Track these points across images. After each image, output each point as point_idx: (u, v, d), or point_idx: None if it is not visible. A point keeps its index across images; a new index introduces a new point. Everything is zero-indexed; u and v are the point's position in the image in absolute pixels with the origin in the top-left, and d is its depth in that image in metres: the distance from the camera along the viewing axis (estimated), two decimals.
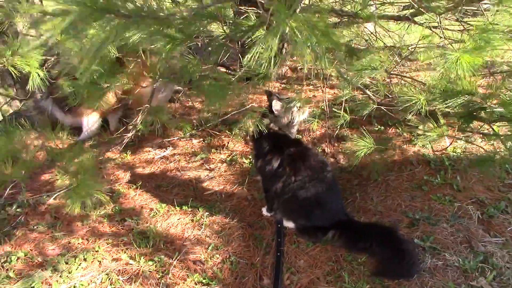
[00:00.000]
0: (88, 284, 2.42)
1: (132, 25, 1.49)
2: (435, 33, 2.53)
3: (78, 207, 2.21)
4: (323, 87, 4.41)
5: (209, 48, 2.80)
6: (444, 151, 3.19)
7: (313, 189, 2.52)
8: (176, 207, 3.04)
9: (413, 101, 2.32)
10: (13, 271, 2.53)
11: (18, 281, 2.46)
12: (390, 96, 2.98)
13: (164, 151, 3.84)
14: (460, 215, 2.60)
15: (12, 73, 2.54)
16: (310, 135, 3.78)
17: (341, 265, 2.39)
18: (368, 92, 3.12)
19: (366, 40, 3.67)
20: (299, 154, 2.62)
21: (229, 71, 3.80)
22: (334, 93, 4.50)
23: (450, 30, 2.55)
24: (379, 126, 3.69)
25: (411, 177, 3.02)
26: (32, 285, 2.41)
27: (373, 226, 2.53)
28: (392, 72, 2.97)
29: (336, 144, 3.58)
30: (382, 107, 2.89)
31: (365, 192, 2.96)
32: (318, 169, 2.57)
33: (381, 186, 2.99)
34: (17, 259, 2.63)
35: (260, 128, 2.65)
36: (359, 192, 2.96)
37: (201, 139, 3.97)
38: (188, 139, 4.00)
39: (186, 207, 3.02)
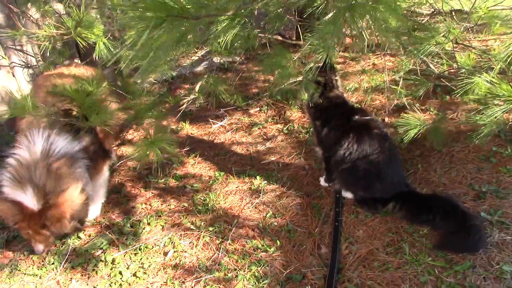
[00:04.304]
0: (152, 247, 2.55)
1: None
2: None
3: (154, 154, 2.29)
4: (383, 55, 4.24)
5: (267, 17, 2.76)
6: None
7: (374, 160, 2.47)
8: (234, 175, 3.09)
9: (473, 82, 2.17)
10: (83, 233, 2.71)
11: (88, 242, 2.64)
12: (454, 67, 2.82)
13: (222, 121, 3.90)
14: None
15: (79, 43, 2.64)
16: (370, 104, 3.67)
17: (401, 237, 2.34)
18: (429, 63, 2.97)
19: (431, 4, 3.44)
20: (363, 123, 2.56)
21: (286, 40, 3.73)
22: (395, 61, 4.31)
23: None
24: (443, 95, 3.51)
25: (478, 148, 2.86)
26: (100, 246, 2.58)
27: (436, 198, 2.44)
28: (458, 42, 2.78)
29: (396, 114, 3.45)
30: (443, 80, 2.74)
31: (428, 163, 2.85)
32: (380, 140, 2.50)
33: (445, 157, 2.86)
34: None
35: (319, 98, 2.61)
36: (421, 163, 2.86)
37: (258, 109, 3.97)
38: (245, 108, 4.02)
39: (244, 176, 3.07)
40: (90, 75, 2.81)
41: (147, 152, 2.26)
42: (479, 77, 2.17)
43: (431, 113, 3.33)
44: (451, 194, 2.52)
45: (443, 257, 2.15)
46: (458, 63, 2.58)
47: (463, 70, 2.40)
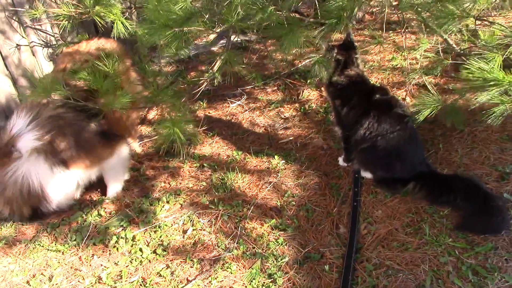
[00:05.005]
0: (172, 225, 2.59)
1: None
2: None
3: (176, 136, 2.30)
4: (403, 32, 4.13)
5: None
6: None
7: (393, 140, 2.43)
8: (252, 154, 3.09)
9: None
10: (104, 210, 2.76)
11: (108, 219, 2.69)
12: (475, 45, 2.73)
13: (239, 100, 3.88)
14: None
15: (97, 22, 2.64)
16: (390, 83, 3.61)
17: (421, 217, 2.32)
18: (449, 41, 2.88)
19: None
20: (384, 102, 2.52)
21: (303, 17, 3.66)
22: (415, 38, 4.20)
23: None
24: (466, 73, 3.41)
25: (501, 128, 2.78)
26: (121, 224, 2.63)
27: (458, 178, 2.39)
28: (481, 18, 2.68)
29: (417, 94, 3.38)
30: (463, 58, 2.65)
31: (449, 143, 2.79)
32: (401, 119, 2.46)
33: (467, 137, 2.81)
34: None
35: (339, 76, 2.58)
36: (442, 143, 2.81)
37: (276, 88, 3.94)
38: (263, 88, 3.99)
39: (262, 155, 3.06)
40: (111, 47, 2.81)
41: (169, 134, 2.27)
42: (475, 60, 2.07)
43: (453, 92, 3.25)
44: (473, 175, 2.48)
45: (464, 238, 2.13)
46: (481, 40, 2.50)
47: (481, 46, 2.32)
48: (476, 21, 2.47)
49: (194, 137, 2.72)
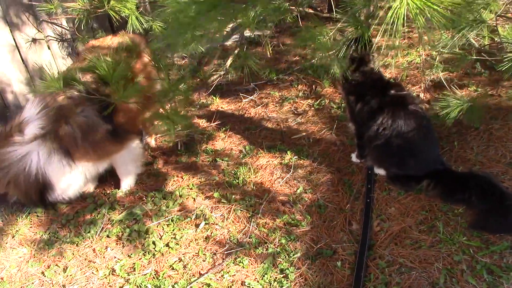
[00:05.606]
0: (184, 218, 2.60)
1: None
2: None
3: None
4: (419, 28, 4.08)
5: None
6: None
7: (408, 136, 2.41)
8: (265, 150, 3.09)
9: None
10: (117, 203, 2.79)
11: (122, 212, 2.71)
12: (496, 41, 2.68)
13: (252, 95, 3.87)
14: None
15: (112, 16, 2.65)
16: (405, 79, 3.57)
17: (435, 215, 2.30)
18: (469, 37, 2.82)
19: None
20: (399, 99, 2.50)
21: (318, 13, 3.64)
22: (431, 34, 4.14)
23: None
24: (483, 70, 3.37)
25: None
26: (134, 217, 2.65)
27: (473, 176, 2.36)
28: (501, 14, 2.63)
29: (432, 90, 3.34)
30: (483, 54, 2.61)
31: (465, 140, 2.76)
32: (415, 116, 2.43)
33: (483, 134, 2.77)
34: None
35: (354, 72, 2.56)
36: (457, 140, 2.78)
37: (289, 83, 3.93)
38: (276, 83, 3.98)
39: (274, 150, 3.06)
40: (135, 43, 2.83)
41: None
42: None
43: (469, 89, 3.21)
44: (488, 173, 2.44)
45: (479, 236, 2.11)
46: (501, 37, 2.46)
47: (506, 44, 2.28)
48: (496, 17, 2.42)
49: (206, 132, 2.72)
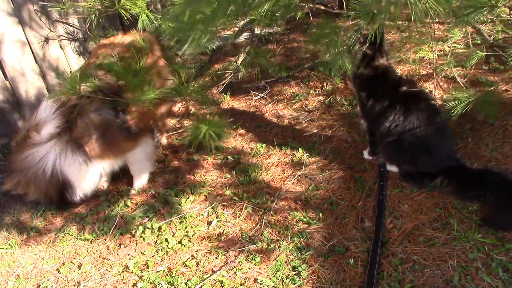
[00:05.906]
0: (196, 216, 2.61)
1: None
2: None
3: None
4: (432, 23, 4.03)
5: None
6: None
7: (421, 133, 2.38)
8: (276, 147, 3.08)
9: None
10: (130, 201, 2.81)
11: (135, 210, 2.73)
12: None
13: (262, 93, 3.87)
14: None
15: (123, 15, 2.66)
16: (417, 75, 3.53)
17: (449, 212, 2.27)
18: (482, 31, 2.78)
19: None
20: (411, 95, 2.47)
21: (328, 9, 3.62)
22: (444, 29, 4.09)
23: None
24: (497, 65, 3.32)
25: None
26: (147, 214, 2.67)
27: (487, 173, 2.33)
28: None
29: (445, 85, 3.30)
30: (497, 49, 2.57)
31: (479, 137, 2.73)
32: (428, 112, 2.41)
33: (498, 131, 2.73)
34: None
35: (365, 68, 2.54)
36: (471, 137, 2.74)
37: (300, 80, 3.91)
38: (286, 80, 3.97)
39: (286, 148, 3.05)
40: (146, 41, 2.84)
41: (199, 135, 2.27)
42: None
43: (483, 84, 3.16)
44: (504, 169, 2.41)
45: (494, 234, 2.08)
46: None
47: None
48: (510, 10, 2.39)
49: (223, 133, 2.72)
